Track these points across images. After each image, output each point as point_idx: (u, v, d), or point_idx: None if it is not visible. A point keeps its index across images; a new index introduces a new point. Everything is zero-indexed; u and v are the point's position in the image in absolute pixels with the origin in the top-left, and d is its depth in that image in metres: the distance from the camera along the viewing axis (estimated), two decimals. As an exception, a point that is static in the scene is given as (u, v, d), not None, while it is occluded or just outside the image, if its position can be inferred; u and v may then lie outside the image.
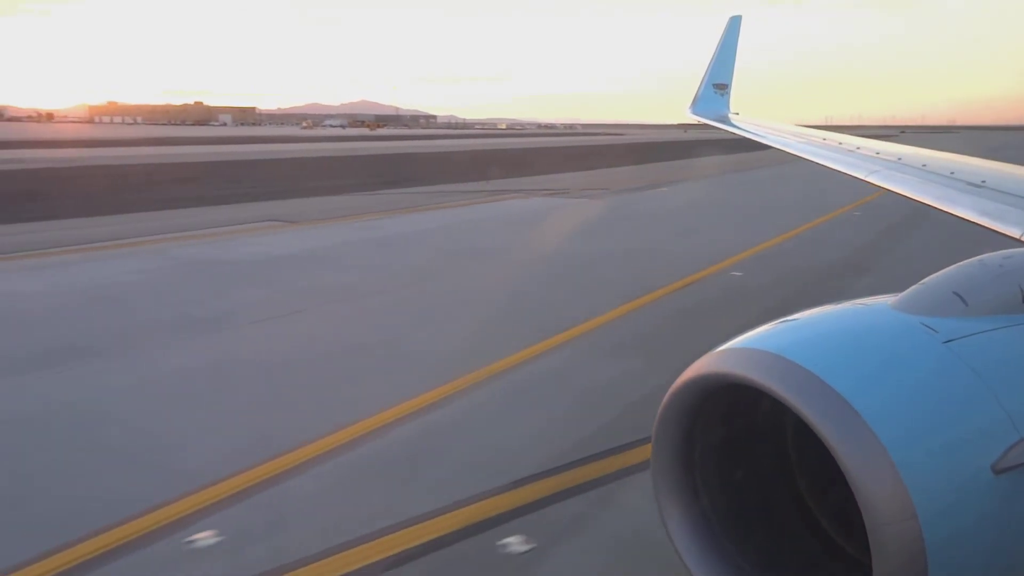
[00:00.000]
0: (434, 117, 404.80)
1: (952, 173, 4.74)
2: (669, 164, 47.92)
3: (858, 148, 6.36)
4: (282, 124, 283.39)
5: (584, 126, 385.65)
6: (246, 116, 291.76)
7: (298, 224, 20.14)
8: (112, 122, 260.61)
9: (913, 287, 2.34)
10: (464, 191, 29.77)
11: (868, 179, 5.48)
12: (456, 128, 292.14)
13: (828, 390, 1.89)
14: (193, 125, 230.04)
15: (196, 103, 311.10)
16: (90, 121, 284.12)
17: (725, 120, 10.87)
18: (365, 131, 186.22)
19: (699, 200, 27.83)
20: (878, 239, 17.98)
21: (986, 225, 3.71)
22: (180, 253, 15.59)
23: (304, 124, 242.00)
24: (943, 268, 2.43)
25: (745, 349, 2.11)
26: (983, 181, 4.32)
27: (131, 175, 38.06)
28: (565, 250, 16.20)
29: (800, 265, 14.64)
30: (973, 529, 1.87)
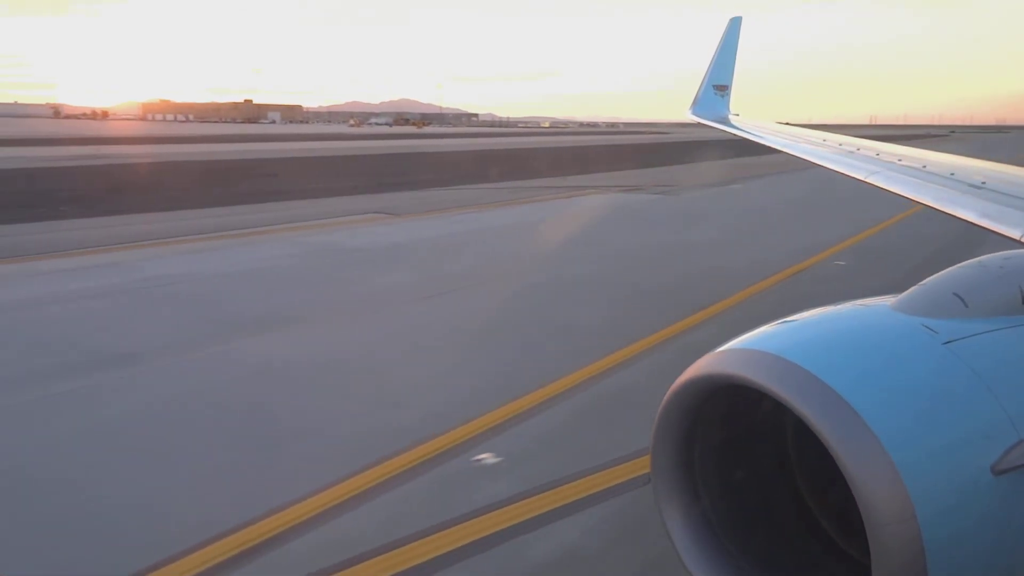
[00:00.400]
0: (475, 115, 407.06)
1: (952, 174, 4.74)
2: (726, 163, 48.45)
3: (858, 149, 6.38)
4: (328, 122, 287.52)
5: (626, 124, 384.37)
6: (294, 114, 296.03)
7: (404, 216, 21.54)
8: (164, 119, 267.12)
9: (913, 288, 2.34)
10: (542, 187, 30.99)
11: (868, 180, 5.49)
12: (500, 126, 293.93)
13: (828, 391, 1.89)
14: (243, 122, 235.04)
15: (246, 101, 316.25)
16: (143, 118, 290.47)
17: (725, 121, 10.94)
18: (412, 129, 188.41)
19: (781, 196, 28.63)
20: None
21: (986, 226, 3.71)
22: (311, 240, 17.11)
23: (351, 122, 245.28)
24: (943, 269, 2.44)
25: (745, 350, 2.11)
26: (983, 182, 4.33)
27: (217, 170, 40.09)
28: (669, 241, 17.34)
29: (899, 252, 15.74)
30: (973, 530, 1.87)
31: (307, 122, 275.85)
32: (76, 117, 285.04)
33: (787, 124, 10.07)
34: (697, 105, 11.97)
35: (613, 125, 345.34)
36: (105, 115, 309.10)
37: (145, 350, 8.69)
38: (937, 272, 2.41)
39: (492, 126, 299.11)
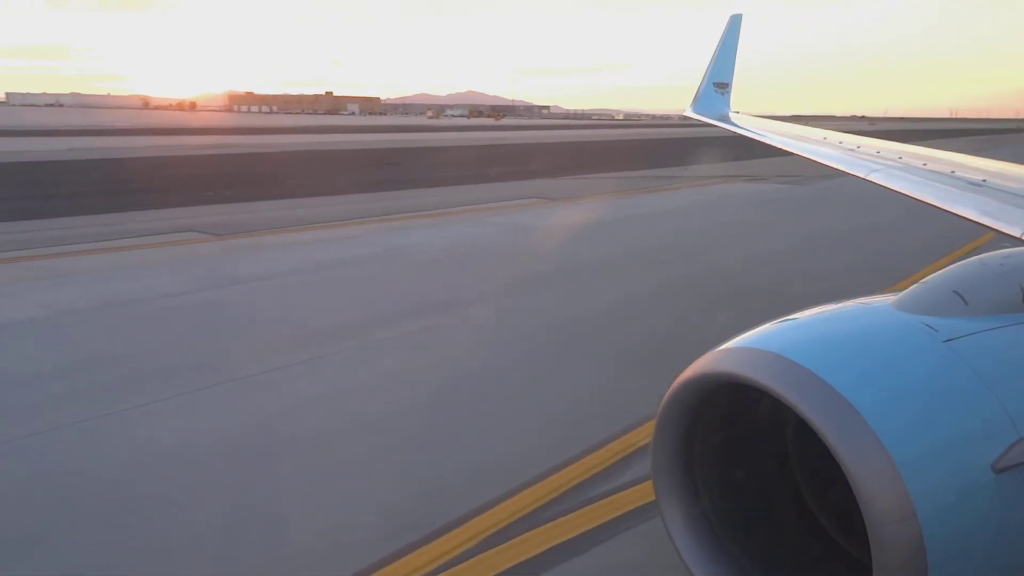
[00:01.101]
0: (547, 107, 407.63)
1: (953, 172, 4.75)
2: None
3: (858, 147, 6.39)
4: (405, 113, 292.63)
5: (682, 117, 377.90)
6: (372, 106, 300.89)
7: (560, 200, 23.42)
8: (249, 111, 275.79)
9: (913, 286, 2.34)
10: (667, 176, 32.40)
11: (869, 178, 5.48)
12: (574, 118, 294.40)
13: (828, 389, 1.90)
14: (325, 114, 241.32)
15: (327, 93, 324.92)
16: (229, 110, 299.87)
17: (726, 119, 11.02)
18: (490, 121, 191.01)
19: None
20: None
21: (987, 224, 3.71)
22: (499, 220, 19.13)
23: (429, 114, 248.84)
24: (944, 268, 2.45)
25: (745, 348, 2.12)
26: (983, 180, 4.33)
27: (348, 159, 42.74)
28: (841, 226, 18.66)
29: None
30: (973, 528, 1.87)
31: (384, 114, 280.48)
32: (164, 108, 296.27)
33: (785, 121, 10.15)
34: (697, 103, 12.11)
35: (686, 118, 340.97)
36: (193, 107, 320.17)
37: (458, 300, 10.86)
38: (938, 271, 2.42)
39: (565, 118, 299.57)
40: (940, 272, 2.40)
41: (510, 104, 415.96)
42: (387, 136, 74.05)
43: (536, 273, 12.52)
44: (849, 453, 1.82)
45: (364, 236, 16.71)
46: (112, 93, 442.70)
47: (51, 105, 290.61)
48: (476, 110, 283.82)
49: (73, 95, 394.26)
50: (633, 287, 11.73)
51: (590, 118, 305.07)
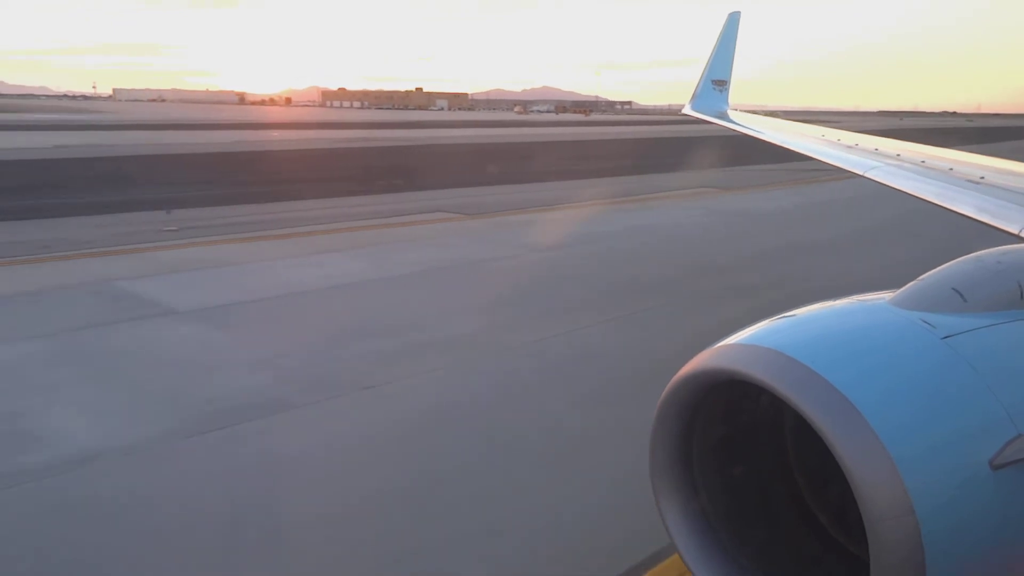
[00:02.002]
0: (629, 103, 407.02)
1: (951, 170, 4.75)
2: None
3: (856, 144, 6.38)
4: (493, 109, 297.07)
5: (784, 113, 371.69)
6: (459, 101, 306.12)
7: (734, 190, 25.99)
8: (342, 106, 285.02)
9: (912, 283, 2.35)
10: (790, 169, 34.01)
11: (867, 175, 5.46)
12: (667, 114, 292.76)
13: (826, 386, 1.91)
14: (415, 109, 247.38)
15: (417, 89, 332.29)
16: (323, 105, 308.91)
17: (724, 116, 10.99)
18: (580, 116, 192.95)
19: None
20: None
21: (985, 221, 3.72)
22: (711, 206, 22.20)
23: (517, 109, 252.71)
24: (942, 264, 2.46)
25: (743, 345, 2.12)
26: (981, 177, 4.33)
27: (487, 153, 45.85)
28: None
29: None
30: (971, 524, 1.88)
31: (473, 109, 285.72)
32: (260, 104, 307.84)
33: (784, 121, 10.47)
34: (696, 100, 12.07)
35: (772, 113, 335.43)
36: (288, 102, 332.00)
37: (740, 261, 13.79)
38: (936, 268, 2.42)
39: (648, 113, 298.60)
40: (938, 269, 2.40)
41: (593, 100, 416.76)
42: (504, 131, 77.20)
43: (793, 243, 15.31)
44: (847, 449, 1.82)
45: (598, 216, 19.83)
46: (209, 89, 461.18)
47: (154, 100, 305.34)
48: (562, 106, 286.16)
49: (173, 91, 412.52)
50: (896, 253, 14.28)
51: (677, 113, 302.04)
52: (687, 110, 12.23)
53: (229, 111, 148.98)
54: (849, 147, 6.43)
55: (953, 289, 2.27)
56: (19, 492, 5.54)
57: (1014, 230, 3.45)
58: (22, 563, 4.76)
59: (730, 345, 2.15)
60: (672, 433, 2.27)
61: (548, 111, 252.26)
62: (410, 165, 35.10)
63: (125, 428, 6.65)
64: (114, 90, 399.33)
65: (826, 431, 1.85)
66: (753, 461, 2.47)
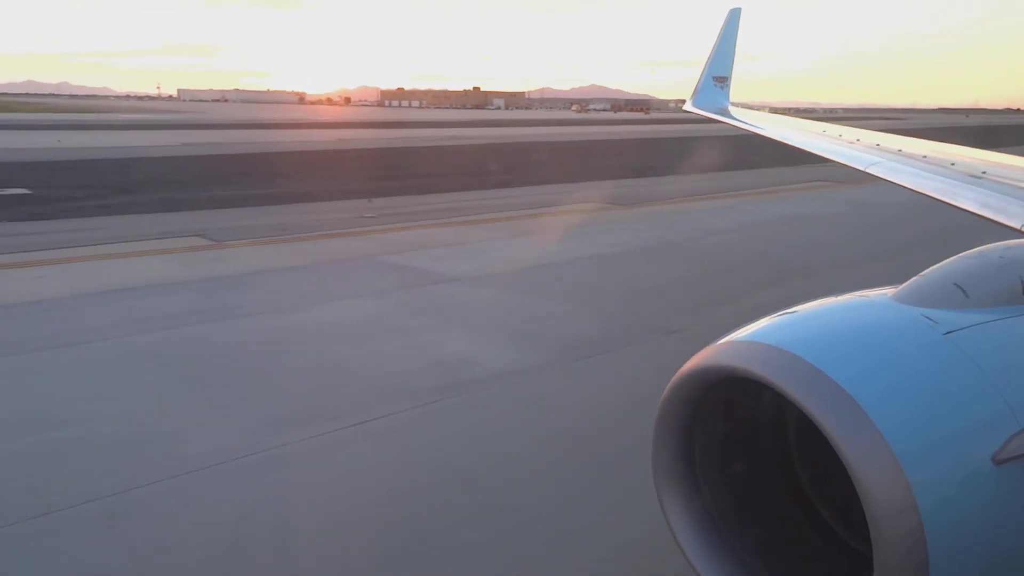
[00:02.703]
0: (683, 101, 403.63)
1: (953, 164, 4.73)
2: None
3: (858, 140, 6.37)
4: (550, 108, 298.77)
5: (845, 110, 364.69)
6: (516, 100, 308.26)
7: (848, 184, 27.28)
8: (400, 105, 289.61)
9: (913, 279, 2.34)
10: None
11: (868, 170, 5.45)
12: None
13: (828, 382, 1.90)
14: (473, 108, 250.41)
15: (475, 88, 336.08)
16: (381, 104, 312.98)
17: (725, 113, 10.94)
18: (639, 115, 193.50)
19: None
20: None
21: (987, 216, 3.72)
22: (840, 197, 23.71)
23: (575, 108, 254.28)
24: (944, 260, 2.45)
25: (745, 342, 2.12)
26: (983, 172, 4.33)
27: (590, 148, 47.76)
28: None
29: None
30: (974, 520, 1.87)
31: (530, 108, 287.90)
32: (320, 104, 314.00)
33: (785, 116, 10.20)
34: (697, 96, 12.04)
35: (831, 111, 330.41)
36: (348, 102, 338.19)
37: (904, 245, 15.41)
38: (938, 263, 2.42)
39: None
40: (940, 264, 2.39)
41: (645, 98, 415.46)
42: (577, 129, 79.44)
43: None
44: (849, 445, 1.82)
45: (742, 206, 21.55)
46: (270, 89, 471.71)
47: (217, 100, 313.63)
48: (617, 105, 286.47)
49: (235, 91, 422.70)
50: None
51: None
52: (688, 106, 12.24)
53: (308, 111, 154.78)
54: (851, 143, 6.44)
55: (955, 284, 2.26)
56: (487, 394, 7.63)
57: (1016, 225, 3.43)
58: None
59: (732, 342, 2.15)
60: (674, 430, 2.27)
61: (605, 109, 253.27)
62: (519, 161, 37.19)
63: (522, 355, 8.78)
64: (179, 91, 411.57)
65: (829, 428, 1.85)
66: (756, 458, 2.46)
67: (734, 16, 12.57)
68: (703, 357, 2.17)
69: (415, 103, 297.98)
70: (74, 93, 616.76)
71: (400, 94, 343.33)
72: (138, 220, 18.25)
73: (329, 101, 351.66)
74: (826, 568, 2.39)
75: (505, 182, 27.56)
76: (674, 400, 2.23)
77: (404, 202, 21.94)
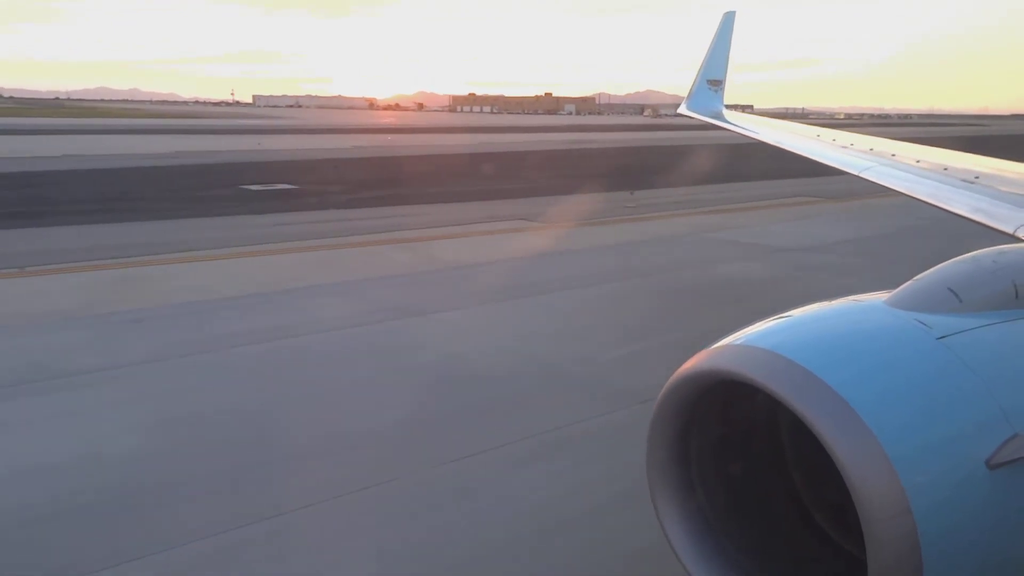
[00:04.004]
0: (751, 106, 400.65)
1: (945, 169, 4.77)
2: None
3: (852, 144, 6.38)
4: (620, 113, 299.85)
5: (920, 116, 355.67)
6: (587, 106, 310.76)
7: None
8: (471, 111, 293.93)
9: (907, 284, 2.37)
10: None
11: (862, 175, 5.47)
12: (796, 117, 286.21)
13: (823, 386, 1.93)
14: (544, 114, 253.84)
15: (547, 94, 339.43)
16: (453, 110, 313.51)
17: (720, 117, 11.02)
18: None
19: None
20: None
21: (979, 221, 3.77)
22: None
23: (647, 112, 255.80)
24: (937, 264, 2.47)
25: (740, 346, 2.15)
26: (976, 177, 4.38)
27: (721, 151, 49.86)
28: None
29: None
30: (967, 524, 1.90)
31: (601, 113, 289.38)
32: (391, 109, 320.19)
33: (780, 121, 10.44)
34: (691, 100, 12.10)
35: (906, 117, 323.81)
36: (421, 107, 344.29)
37: None
38: (931, 268, 2.44)
39: (778, 117, 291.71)
40: (934, 269, 2.42)
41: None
42: (673, 134, 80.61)
43: None
44: (844, 449, 1.84)
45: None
46: (341, 95, 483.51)
47: (291, 106, 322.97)
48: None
49: (308, 97, 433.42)
50: None
51: (808, 117, 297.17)
52: (682, 110, 12.34)
53: (395, 117, 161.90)
54: (844, 147, 6.47)
55: (949, 289, 2.28)
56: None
57: (1009, 230, 3.45)
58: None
59: (726, 346, 2.17)
60: (669, 433, 2.29)
61: (677, 115, 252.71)
62: (695, 161, 38.77)
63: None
64: (254, 97, 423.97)
65: (823, 432, 1.87)
66: (751, 461, 2.48)
67: (728, 20, 12.66)
68: (699, 361, 2.18)
69: (486, 108, 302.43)
70: (144, 99, 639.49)
71: (471, 100, 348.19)
72: (454, 208, 21.56)
73: (397, 107, 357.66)
74: (820, 571, 2.41)
75: (717, 179, 29.50)
76: (669, 402, 2.24)
77: (650, 195, 24.92)
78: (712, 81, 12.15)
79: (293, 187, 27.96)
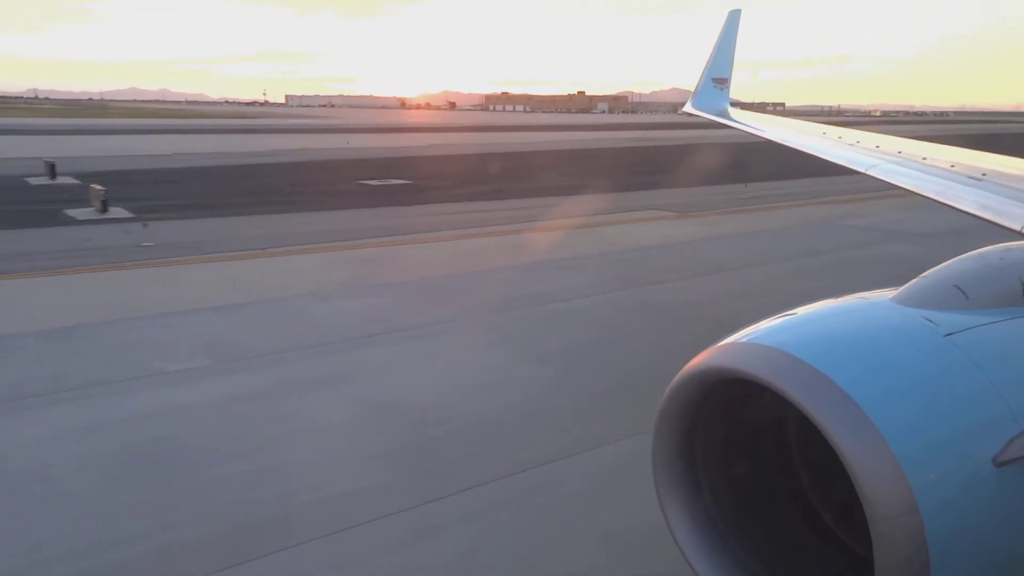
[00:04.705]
0: (782, 104, 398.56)
1: (952, 166, 4.76)
2: None
3: (858, 142, 6.36)
4: (653, 112, 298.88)
5: (956, 112, 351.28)
6: (620, 104, 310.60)
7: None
8: (504, 110, 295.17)
9: (914, 281, 2.35)
10: None
11: (869, 173, 5.46)
12: (834, 114, 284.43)
13: (829, 384, 1.91)
14: (578, 112, 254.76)
15: (579, 93, 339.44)
16: (486, 109, 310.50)
17: (725, 115, 10.97)
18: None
19: None
20: None
21: (986, 218, 3.74)
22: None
23: (681, 110, 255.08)
24: (945, 262, 2.46)
25: (746, 344, 2.13)
26: (983, 174, 4.35)
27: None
28: None
29: None
30: (975, 521, 1.88)
31: (636, 111, 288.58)
32: (422, 108, 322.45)
33: (785, 119, 10.53)
34: (696, 98, 12.07)
35: (943, 114, 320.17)
36: (453, 106, 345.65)
37: None
38: (938, 265, 2.43)
39: (808, 116, 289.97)
40: (940, 267, 2.41)
41: (752, 102, 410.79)
42: (718, 132, 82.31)
43: None
44: (850, 447, 1.82)
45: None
46: (373, 95, 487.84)
47: (324, 106, 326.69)
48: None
49: (339, 96, 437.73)
50: None
51: (844, 114, 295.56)
52: (687, 108, 12.28)
53: (435, 116, 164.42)
54: (850, 144, 6.43)
55: (955, 286, 2.27)
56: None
57: (1016, 227, 3.44)
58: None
59: (732, 344, 2.16)
60: (675, 432, 2.27)
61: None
62: (748, 158, 40.03)
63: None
64: (286, 97, 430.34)
65: (830, 430, 1.86)
66: (757, 460, 2.46)
67: (734, 18, 12.62)
68: (704, 359, 2.18)
69: (518, 107, 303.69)
70: (174, 99, 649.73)
71: (504, 98, 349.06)
72: (576, 201, 23.45)
73: (428, 106, 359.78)
74: (826, 570, 2.39)
75: (812, 173, 30.27)
76: (675, 401, 2.23)
77: (759, 187, 26.91)
78: (717, 79, 12.16)
79: (407, 182, 29.85)
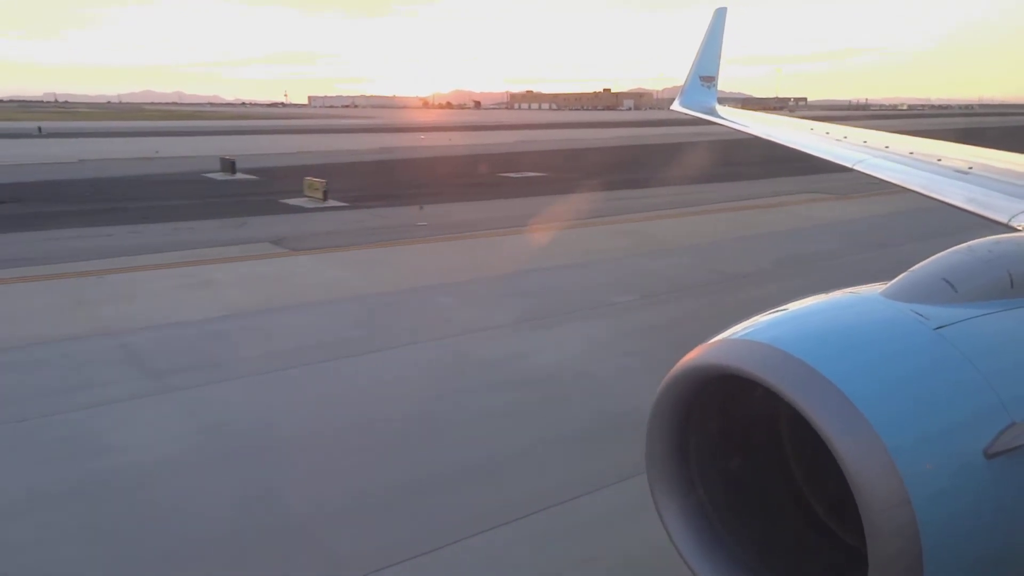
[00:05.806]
0: (804, 99, 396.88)
1: (939, 160, 4.79)
2: None
3: (845, 137, 6.43)
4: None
5: (981, 105, 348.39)
6: (645, 101, 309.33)
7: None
8: (529, 108, 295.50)
9: (903, 275, 2.37)
10: None
11: (856, 167, 5.50)
12: (857, 109, 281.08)
13: (821, 379, 1.93)
14: (603, 110, 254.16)
15: (605, 90, 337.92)
16: (511, 107, 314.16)
17: (712, 112, 11.02)
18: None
19: None
20: None
21: (973, 211, 3.76)
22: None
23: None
24: (932, 255, 2.47)
25: (738, 340, 2.15)
26: (969, 168, 4.38)
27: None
28: None
29: None
30: (966, 513, 1.90)
31: (662, 108, 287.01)
32: (443, 108, 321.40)
33: (773, 115, 10.16)
34: (684, 96, 12.13)
35: (968, 107, 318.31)
36: (478, 105, 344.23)
37: None
38: (926, 259, 2.45)
39: (834, 108, 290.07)
40: (929, 260, 2.42)
41: (774, 97, 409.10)
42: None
43: None
44: (842, 441, 1.84)
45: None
46: (396, 95, 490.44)
47: (347, 106, 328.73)
48: (746, 104, 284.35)
49: (361, 97, 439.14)
50: None
51: (868, 108, 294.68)
52: (675, 106, 12.34)
53: (470, 116, 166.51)
54: (838, 140, 6.48)
55: (944, 280, 2.28)
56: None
57: (1003, 219, 3.47)
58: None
59: (724, 340, 2.18)
60: (668, 428, 2.29)
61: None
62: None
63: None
64: (309, 98, 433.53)
65: (821, 424, 1.87)
66: (750, 455, 2.48)
67: (720, 16, 12.71)
68: (696, 355, 2.19)
69: (544, 105, 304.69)
70: (188, 102, 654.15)
71: (529, 96, 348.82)
72: (725, 187, 26.44)
73: (449, 105, 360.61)
74: (820, 563, 2.41)
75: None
76: (668, 397, 2.24)
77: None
78: (704, 78, 12.32)
79: (542, 174, 32.38)
